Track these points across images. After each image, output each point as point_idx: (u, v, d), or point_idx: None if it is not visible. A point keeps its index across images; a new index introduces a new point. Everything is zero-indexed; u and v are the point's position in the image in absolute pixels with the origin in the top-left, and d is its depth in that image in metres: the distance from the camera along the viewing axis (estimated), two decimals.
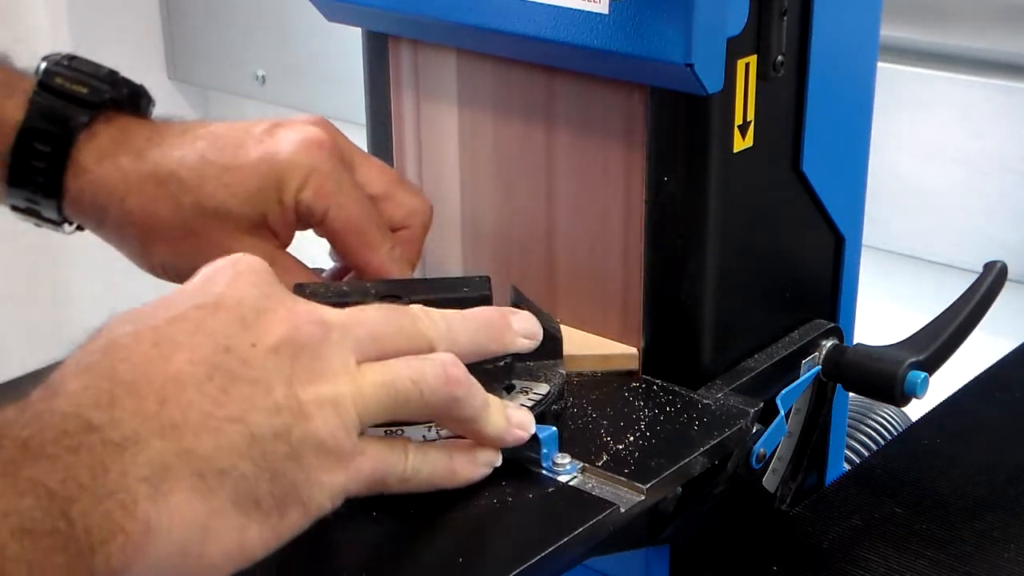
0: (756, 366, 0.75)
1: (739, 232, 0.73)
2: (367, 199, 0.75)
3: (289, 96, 1.84)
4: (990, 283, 0.81)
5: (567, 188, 0.75)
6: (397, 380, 0.58)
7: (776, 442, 0.75)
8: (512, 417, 0.63)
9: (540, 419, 0.65)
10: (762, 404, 0.72)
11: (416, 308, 0.62)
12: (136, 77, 0.81)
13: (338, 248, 0.76)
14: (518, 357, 0.67)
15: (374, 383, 0.57)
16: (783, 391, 0.74)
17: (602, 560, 0.74)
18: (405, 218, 0.77)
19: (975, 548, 0.75)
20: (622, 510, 0.62)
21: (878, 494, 0.80)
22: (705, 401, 0.71)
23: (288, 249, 0.76)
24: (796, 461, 0.81)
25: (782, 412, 0.74)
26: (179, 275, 0.75)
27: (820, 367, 0.78)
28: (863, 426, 0.98)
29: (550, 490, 0.63)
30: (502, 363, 0.65)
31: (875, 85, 0.80)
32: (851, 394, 0.83)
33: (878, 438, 0.97)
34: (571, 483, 0.64)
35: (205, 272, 0.59)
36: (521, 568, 0.57)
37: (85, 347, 0.55)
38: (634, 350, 0.74)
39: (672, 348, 0.73)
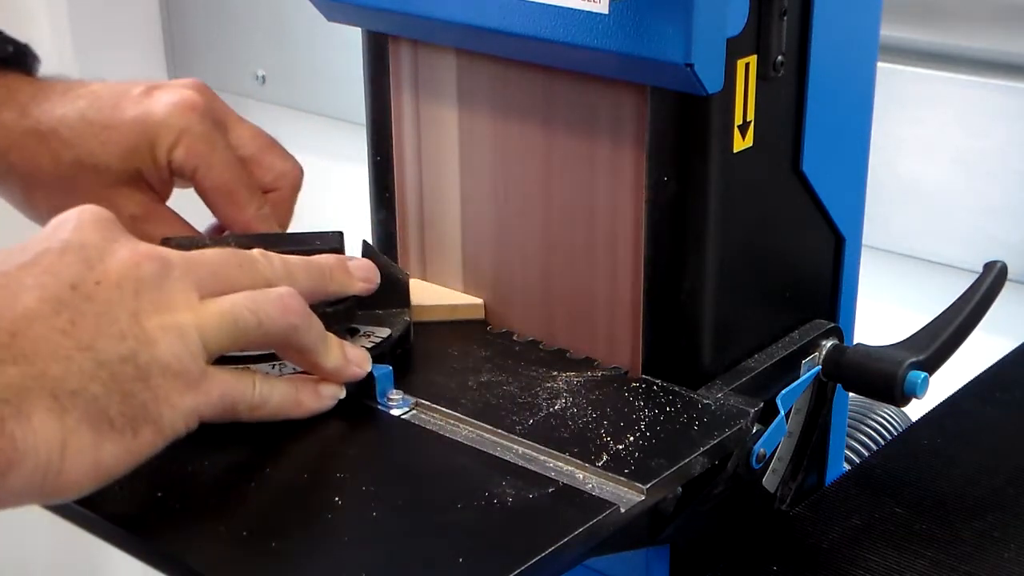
0: (756, 366, 0.75)
1: (739, 232, 0.73)
2: (237, 160, 0.80)
3: (289, 96, 1.84)
4: (990, 283, 0.81)
5: (567, 188, 0.75)
6: (236, 309, 0.63)
7: (776, 442, 0.75)
8: (349, 354, 0.69)
9: (380, 359, 0.71)
10: (762, 404, 0.72)
11: (255, 251, 0.67)
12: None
13: (209, 206, 0.81)
14: (367, 305, 0.73)
15: (214, 312, 0.62)
16: (783, 391, 0.74)
17: (602, 560, 0.74)
18: (275, 180, 0.82)
19: (975, 548, 0.75)
20: (622, 510, 0.63)
21: (878, 494, 0.80)
22: (705, 401, 0.71)
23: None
24: (796, 461, 0.81)
25: (782, 412, 0.74)
26: None
27: (820, 367, 0.78)
28: (863, 426, 0.98)
29: (550, 490, 0.63)
30: (342, 306, 0.71)
31: (875, 85, 0.80)
32: (851, 394, 0.83)
33: (878, 438, 0.97)
34: (404, 416, 0.70)
35: (54, 221, 0.63)
36: (521, 568, 0.57)
37: None
38: (480, 301, 0.80)
39: (672, 348, 0.73)
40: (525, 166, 0.77)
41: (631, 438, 0.68)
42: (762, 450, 0.72)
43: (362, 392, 0.70)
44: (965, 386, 0.92)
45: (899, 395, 0.75)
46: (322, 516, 0.62)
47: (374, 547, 0.60)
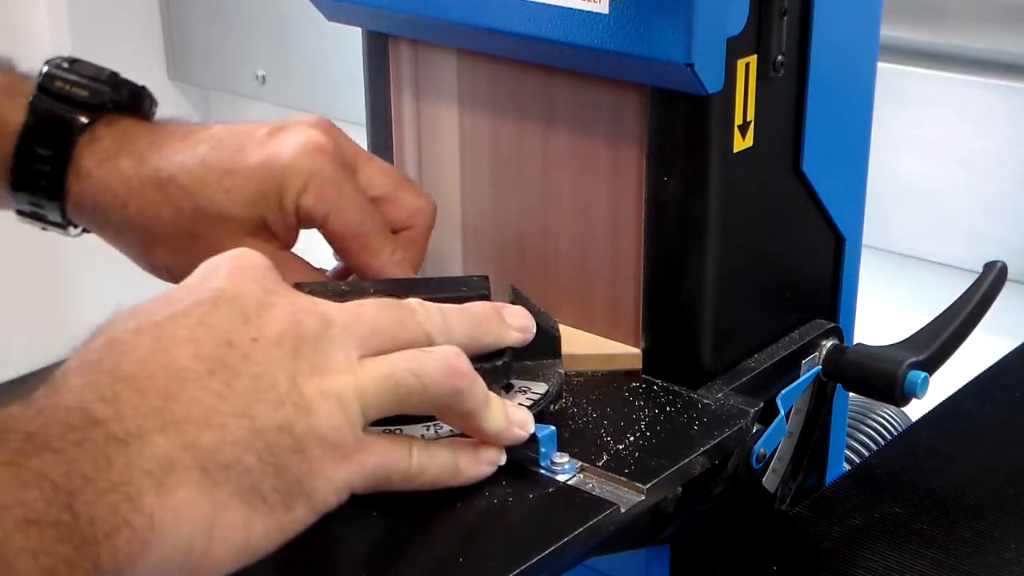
0: (756, 366, 0.75)
1: (739, 232, 0.73)
2: (368, 203, 0.75)
3: (289, 96, 1.85)
4: (990, 283, 0.81)
5: (567, 188, 0.75)
6: (398, 372, 0.58)
7: (776, 442, 0.75)
8: (512, 415, 0.63)
9: (539, 418, 0.65)
10: (762, 404, 0.72)
11: (413, 301, 0.62)
12: (136, 77, 0.81)
13: (339, 251, 0.76)
14: (517, 356, 0.67)
15: (376, 376, 0.57)
16: (783, 391, 0.74)
17: (602, 560, 0.74)
18: (408, 219, 0.77)
19: (975, 548, 0.75)
20: (622, 510, 0.62)
21: (878, 494, 0.80)
22: (705, 401, 0.71)
23: (298, 249, 0.77)
24: (796, 461, 0.81)
25: (782, 412, 0.74)
26: (182, 277, 0.75)
27: (820, 367, 0.78)
28: (863, 426, 0.98)
29: (550, 490, 0.63)
30: (500, 362, 0.65)
31: (875, 85, 0.80)
32: (851, 394, 0.83)
33: (878, 438, 0.97)
34: (570, 482, 0.64)
35: (205, 267, 0.59)
36: (521, 568, 0.57)
37: (88, 344, 0.55)
38: (638, 351, 0.74)
39: (672, 348, 0.73)
40: (525, 166, 0.77)
41: (631, 438, 0.68)
42: (762, 450, 0.72)
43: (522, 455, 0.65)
44: (965, 386, 0.93)
45: (899, 395, 0.75)
46: (325, 518, 0.61)
47: (374, 547, 0.60)
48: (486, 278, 0.70)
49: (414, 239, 0.77)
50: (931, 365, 0.76)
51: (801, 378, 0.77)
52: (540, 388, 0.67)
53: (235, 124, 0.78)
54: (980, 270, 0.83)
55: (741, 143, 0.70)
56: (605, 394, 0.72)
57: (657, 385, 0.73)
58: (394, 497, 0.61)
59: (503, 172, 0.78)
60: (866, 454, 0.94)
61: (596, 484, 0.64)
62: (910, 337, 0.78)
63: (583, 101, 0.73)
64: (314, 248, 0.78)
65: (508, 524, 0.61)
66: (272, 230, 0.75)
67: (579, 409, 0.71)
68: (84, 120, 0.76)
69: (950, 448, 0.85)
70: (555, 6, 0.68)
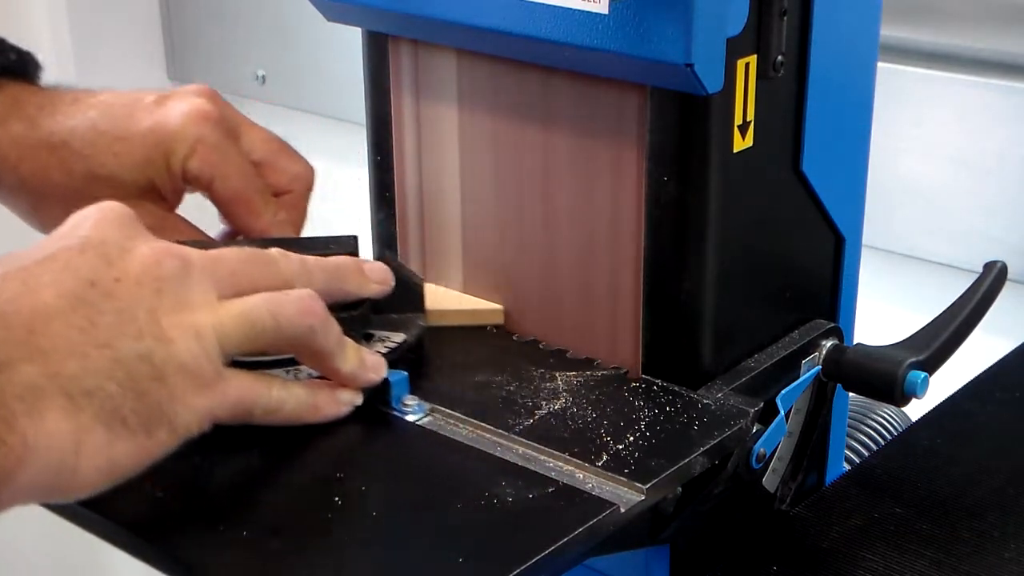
0: (756, 366, 0.75)
1: (739, 232, 0.73)
2: (250, 167, 0.80)
3: (289, 96, 1.84)
4: (990, 283, 0.81)
5: (567, 188, 0.75)
6: (255, 310, 0.62)
7: (776, 442, 0.75)
8: (366, 359, 0.68)
9: (395, 365, 0.70)
10: (762, 404, 0.72)
11: (274, 250, 0.67)
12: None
13: (224, 214, 0.80)
14: (381, 309, 0.73)
15: (233, 313, 0.62)
16: (783, 391, 0.74)
17: (602, 560, 0.74)
18: (288, 183, 0.82)
19: (975, 548, 0.75)
20: (622, 510, 0.63)
21: (878, 494, 0.80)
22: (705, 401, 0.71)
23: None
24: (796, 461, 0.81)
25: (782, 412, 0.74)
26: None
27: (820, 367, 0.78)
28: (863, 426, 0.98)
29: (550, 490, 0.63)
30: (358, 311, 0.71)
31: (875, 85, 0.80)
32: (851, 394, 0.83)
33: (878, 438, 0.97)
34: (420, 422, 0.69)
35: (74, 218, 0.63)
36: (521, 568, 0.57)
37: None
38: (500, 306, 0.79)
39: (672, 348, 0.73)
40: (525, 166, 0.77)
41: (631, 438, 0.68)
42: (762, 450, 0.72)
43: (377, 398, 0.70)
44: (965, 386, 0.92)
45: (899, 395, 0.75)
46: (322, 516, 0.62)
47: (374, 547, 0.60)
48: (355, 237, 0.76)
49: (294, 203, 0.82)
50: (931, 365, 0.76)
51: (801, 378, 0.77)
52: (399, 338, 0.73)
53: (122, 91, 0.81)
54: (980, 270, 0.83)
55: (741, 143, 0.70)
56: (605, 394, 0.72)
57: (657, 385, 0.73)
58: (394, 496, 0.61)
59: (503, 172, 0.78)
60: (866, 454, 0.94)
61: (596, 484, 0.64)
62: (910, 337, 0.78)
63: (583, 101, 0.73)
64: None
65: (508, 524, 0.61)
66: (160, 192, 0.79)
67: (579, 409, 0.71)
68: None
69: (950, 448, 0.85)
70: (555, 6, 0.68)
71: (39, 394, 0.56)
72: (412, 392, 0.71)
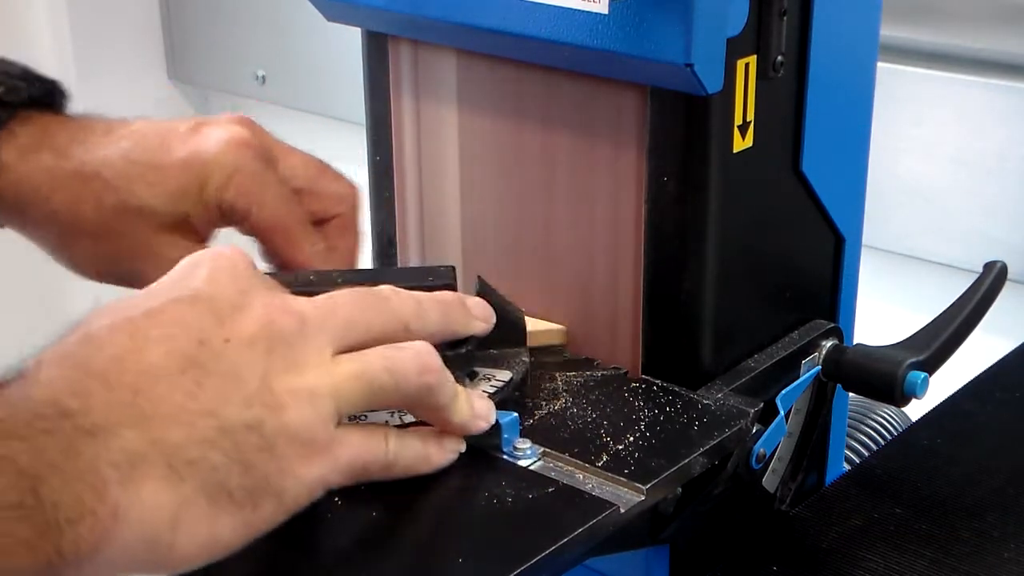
0: (756, 366, 0.75)
1: (739, 232, 0.73)
2: (290, 196, 0.76)
3: (289, 96, 1.84)
4: (990, 283, 0.81)
5: (567, 188, 0.75)
6: (372, 370, 0.59)
7: (776, 442, 0.75)
8: (476, 407, 0.64)
9: (501, 405, 0.66)
10: (762, 404, 0.72)
11: (386, 289, 0.63)
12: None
13: (264, 245, 0.77)
14: (483, 344, 0.69)
15: (349, 374, 0.58)
16: (783, 391, 0.74)
17: (602, 560, 0.74)
18: (333, 206, 0.78)
19: (975, 548, 0.75)
20: (622, 510, 0.62)
21: (878, 494, 0.80)
22: (705, 401, 0.71)
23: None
24: (796, 461, 0.81)
25: (782, 412, 0.74)
26: (99, 272, 0.77)
27: (820, 367, 0.78)
28: (863, 426, 0.98)
29: (550, 490, 0.63)
30: (464, 350, 0.67)
31: (875, 85, 0.80)
32: (851, 394, 0.83)
33: (878, 438, 0.97)
34: (532, 467, 0.65)
35: (185, 265, 0.60)
36: (521, 568, 0.57)
37: (63, 339, 0.55)
38: (562, 327, 0.77)
39: (672, 348, 0.73)
40: (525, 166, 0.77)
41: (631, 438, 0.68)
42: (762, 450, 0.72)
43: (486, 442, 0.66)
44: (965, 386, 0.92)
45: (899, 395, 0.75)
46: (321, 517, 0.62)
47: (373, 548, 0.60)
48: (452, 268, 0.72)
49: (344, 226, 0.79)
50: (931, 365, 0.76)
51: (801, 378, 0.77)
52: (504, 376, 0.69)
53: (157, 120, 0.78)
54: (980, 270, 0.83)
55: (741, 143, 0.70)
56: (605, 394, 0.72)
57: (657, 385, 0.73)
58: (393, 497, 0.61)
59: (503, 172, 0.78)
60: (866, 454, 0.94)
61: (596, 484, 0.64)
62: (910, 337, 0.78)
63: (583, 101, 0.73)
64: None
65: (508, 524, 0.61)
66: (193, 225, 0.76)
67: (579, 409, 0.71)
68: (2, 115, 0.76)
69: (950, 448, 0.85)
70: (555, 6, 0.68)
71: (138, 462, 0.52)
72: None
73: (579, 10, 0.67)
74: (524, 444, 0.66)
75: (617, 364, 0.75)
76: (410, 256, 0.84)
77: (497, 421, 0.66)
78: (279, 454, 0.55)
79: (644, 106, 0.70)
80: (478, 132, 0.78)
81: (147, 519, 0.52)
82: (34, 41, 1.87)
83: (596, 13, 0.66)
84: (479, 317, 0.68)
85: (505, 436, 0.66)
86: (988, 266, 0.82)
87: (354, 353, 0.59)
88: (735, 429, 0.69)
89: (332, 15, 0.80)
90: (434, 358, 0.60)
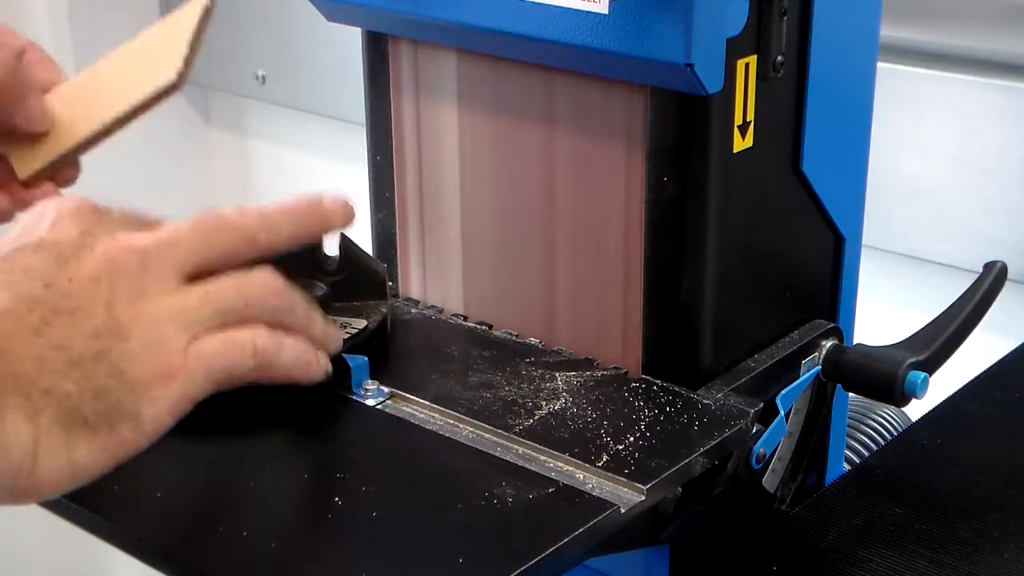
0: (756, 366, 0.75)
1: (739, 232, 0.73)
2: None
3: (289, 96, 1.84)
4: (990, 283, 0.81)
5: (567, 188, 0.75)
6: (220, 291, 0.62)
7: (776, 442, 0.75)
8: (329, 331, 0.67)
9: (356, 350, 0.72)
10: (762, 404, 0.72)
11: (231, 208, 0.65)
12: None
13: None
14: (344, 296, 0.75)
15: (196, 297, 0.61)
16: (783, 391, 0.74)
17: (602, 560, 0.74)
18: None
19: (975, 548, 0.75)
20: (622, 510, 0.63)
21: (878, 494, 0.80)
22: (705, 401, 0.71)
23: None
24: (796, 461, 0.81)
25: (782, 412, 0.74)
26: None
27: (820, 367, 0.78)
28: (863, 426, 0.98)
29: (550, 490, 0.63)
30: (320, 294, 0.72)
31: (875, 85, 0.80)
32: (851, 394, 0.83)
33: (878, 438, 0.97)
34: (379, 407, 0.71)
35: (32, 214, 0.62)
36: (521, 568, 0.57)
37: None
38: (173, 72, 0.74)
39: (672, 348, 0.73)
40: (525, 166, 0.77)
41: (631, 438, 0.68)
42: (762, 450, 0.72)
43: (338, 383, 0.70)
44: (965, 386, 0.92)
45: (899, 395, 0.75)
46: (322, 516, 0.62)
47: (374, 548, 0.60)
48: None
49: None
50: (931, 365, 0.76)
51: (801, 378, 0.77)
52: (360, 324, 0.75)
53: None
54: (980, 270, 0.83)
55: (741, 143, 0.70)
56: (605, 394, 0.72)
57: (657, 385, 0.73)
58: (394, 497, 0.61)
59: (503, 172, 0.78)
60: (866, 454, 0.94)
61: (596, 484, 0.64)
62: (910, 337, 0.78)
63: (583, 101, 0.73)
64: None
65: (508, 524, 0.61)
66: None
67: (579, 409, 0.71)
68: None
69: (950, 448, 0.85)
70: (555, 6, 0.68)
71: None
72: (410, 392, 0.71)
73: (579, 10, 0.67)
74: (372, 385, 0.72)
75: (617, 364, 0.76)
76: (410, 255, 0.84)
77: (348, 363, 0.71)
78: (129, 379, 0.58)
79: (644, 106, 0.70)
80: (478, 132, 0.78)
81: (12, 448, 0.55)
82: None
83: (596, 13, 0.66)
84: (336, 213, 0.68)
85: (355, 378, 0.72)
86: (988, 266, 0.82)
87: (201, 281, 0.62)
88: (735, 429, 0.69)
89: (332, 15, 0.80)
90: (279, 281, 0.64)
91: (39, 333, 0.57)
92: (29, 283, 0.58)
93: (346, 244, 0.77)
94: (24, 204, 0.75)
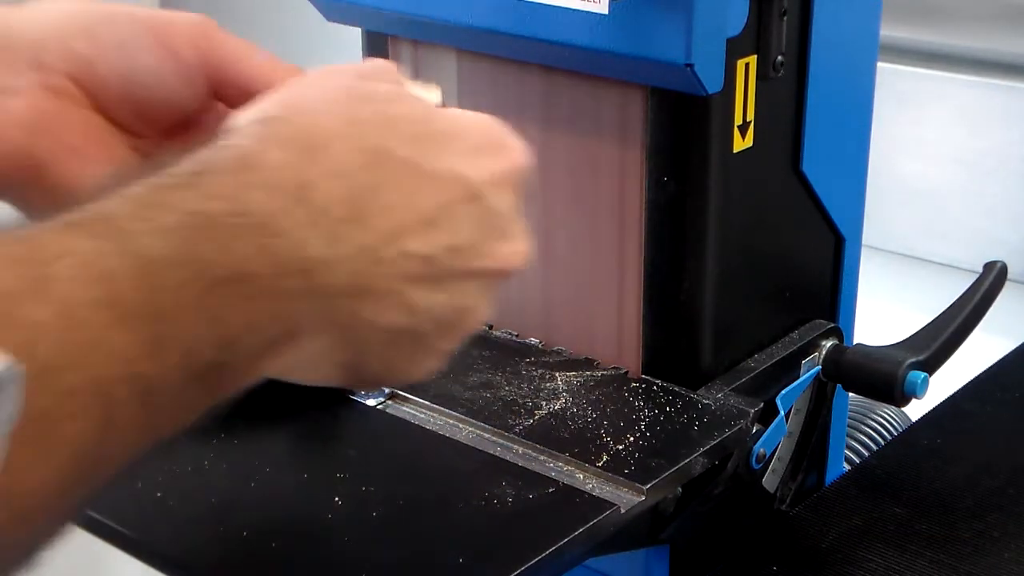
0: (756, 366, 0.75)
1: (739, 232, 0.73)
2: None
3: None
4: (990, 283, 0.81)
5: (566, 188, 0.75)
6: None
7: (776, 442, 0.75)
8: None
9: None
10: (762, 404, 0.72)
11: None
12: None
13: None
14: None
15: None
16: (783, 391, 0.74)
17: (602, 560, 0.74)
18: None
19: (975, 548, 0.75)
20: (622, 510, 0.62)
21: (878, 494, 0.80)
22: (705, 401, 0.71)
23: None
24: (796, 461, 0.81)
25: (782, 412, 0.74)
26: None
27: (820, 367, 0.78)
28: (863, 426, 0.98)
29: (550, 490, 0.63)
30: None
31: (875, 85, 0.80)
32: (851, 394, 0.83)
33: (878, 438, 0.97)
34: (380, 407, 0.70)
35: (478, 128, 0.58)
36: (521, 568, 0.57)
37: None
38: None
39: (672, 348, 0.73)
40: None
41: (631, 438, 0.68)
42: (762, 450, 0.72)
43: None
44: (965, 386, 0.92)
45: (899, 395, 0.75)
46: (322, 516, 0.62)
47: (374, 548, 0.60)
48: None
49: None
50: (931, 365, 0.76)
51: (801, 378, 0.77)
52: None
53: None
54: (980, 270, 0.83)
55: (741, 143, 0.70)
56: (605, 394, 0.72)
57: (657, 385, 0.73)
58: (394, 497, 0.61)
59: None
60: (866, 454, 0.94)
61: (596, 484, 0.64)
62: (910, 337, 0.78)
63: (583, 101, 0.73)
64: None
65: (508, 524, 0.61)
66: None
67: (579, 409, 0.71)
68: None
69: (950, 448, 0.85)
70: (555, 6, 0.68)
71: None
72: (410, 392, 0.71)
73: (579, 10, 0.67)
74: None
75: (617, 364, 0.75)
76: None
77: None
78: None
79: (644, 106, 0.70)
80: None
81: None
82: None
83: (596, 13, 0.66)
84: None
85: None
86: (988, 266, 0.82)
87: None
88: (735, 429, 0.69)
89: (332, 15, 0.80)
90: None
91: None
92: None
93: None
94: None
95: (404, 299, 0.52)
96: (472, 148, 0.56)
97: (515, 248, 0.56)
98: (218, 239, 0.46)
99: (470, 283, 0.54)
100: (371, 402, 0.71)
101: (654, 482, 0.64)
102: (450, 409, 0.70)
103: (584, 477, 0.65)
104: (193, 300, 0.45)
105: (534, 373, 0.74)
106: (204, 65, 0.63)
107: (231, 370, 0.47)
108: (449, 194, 0.53)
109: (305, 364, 0.51)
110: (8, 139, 0.59)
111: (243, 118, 0.52)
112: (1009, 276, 0.83)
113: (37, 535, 0.43)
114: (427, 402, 0.71)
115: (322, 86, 0.55)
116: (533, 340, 0.79)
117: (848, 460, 0.92)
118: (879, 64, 0.79)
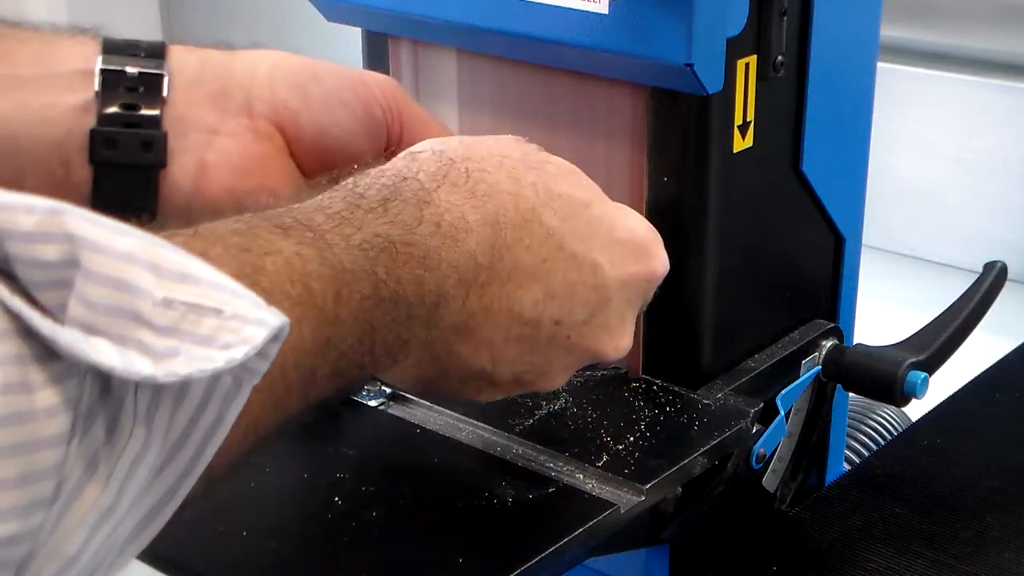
0: (756, 366, 0.75)
1: (739, 232, 0.73)
2: None
3: None
4: (990, 283, 0.81)
5: None
6: None
7: (776, 442, 0.75)
8: None
9: None
10: (762, 404, 0.72)
11: None
12: None
13: None
14: None
15: None
16: (783, 391, 0.74)
17: (602, 560, 0.74)
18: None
19: (975, 548, 0.75)
20: (622, 511, 0.63)
21: (878, 494, 0.80)
22: (705, 401, 0.71)
23: None
24: (796, 461, 0.81)
25: (782, 412, 0.74)
26: None
27: (820, 367, 0.78)
28: (863, 426, 0.98)
29: (550, 490, 0.63)
30: None
31: (875, 85, 0.80)
32: (851, 394, 0.83)
33: (878, 438, 0.97)
34: (381, 408, 0.71)
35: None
36: (521, 568, 0.57)
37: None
38: None
39: (672, 348, 0.73)
40: None
41: (631, 438, 0.68)
42: (762, 450, 0.72)
43: None
44: (965, 386, 0.92)
45: (899, 395, 0.75)
46: (322, 516, 0.62)
47: (374, 547, 0.60)
48: None
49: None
50: (931, 365, 0.76)
51: (801, 378, 0.77)
52: None
53: None
54: (980, 270, 0.83)
55: (741, 143, 0.70)
56: (605, 394, 0.72)
57: (657, 385, 0.73)
58: (394, 497, 0.61)
59: None
60: (866, 454, 0.94)
61: (596, 484, 0.64)
62: (910, 337, 0.78)
63: (583, 101, 0.73)
64: None
65: (508, 524, 0.61)
66: None
67: (579, 409, 0.71)
68: None
69: (950, 448, 0.85)
70: (555, 6, 0.68)
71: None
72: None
73: (579, 10, 0.67)
74: (373, 386, 0.72)
75: (617, 364, 0.75)
76: None
77: None
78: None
79: (644, 106, 0.70)
80: (478, 132, 0.78)
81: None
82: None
83: (596, 13, 0.66)
84: None
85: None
86: (988, 266, 0.82)
87: None
88: (735, 429, 0.69)
89: (332, 15, 0.80)
90: None
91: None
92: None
93: None
94: None
95: (496, 351, 0.58)
96: (617, 243, 0.61)
97: (616, 344, 0.61)
98: (389, 262, 0.52)
99: (561, 356, 0.60)
100: (372, 403, 0.71)
101: (654, 482, 0.64)
102: (450, 409, 0.70)
103: (584, 477, 0.65)
104: (364, 312, 0.51)
105: None
106: (392, 124, 0.69)
107: (358, 374, 0.53)
108: (579, 276, 0.59)
109: (392, 375, 0.58)
110: (218, 176, 0.65)
111: (426, 153, 0.58)
112: (1009, 276, 0.83)
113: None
114: (427, 402, 0.71)
115: (501, 144, 0.61)
116: None
117: (848, 460, 0.92)
118: (879, 64, 0.79)
